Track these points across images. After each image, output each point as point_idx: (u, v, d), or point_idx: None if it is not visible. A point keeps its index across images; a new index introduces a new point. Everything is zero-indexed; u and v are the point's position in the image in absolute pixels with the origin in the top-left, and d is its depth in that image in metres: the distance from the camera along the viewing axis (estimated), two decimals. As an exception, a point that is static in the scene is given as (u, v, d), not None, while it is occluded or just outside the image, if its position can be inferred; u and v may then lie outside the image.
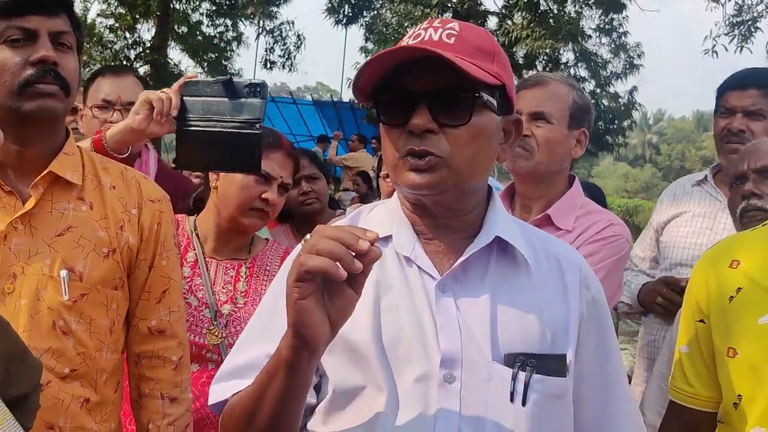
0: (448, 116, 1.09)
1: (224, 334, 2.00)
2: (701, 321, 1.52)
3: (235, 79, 1.55)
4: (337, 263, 0.91)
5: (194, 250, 2.10)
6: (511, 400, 1.11)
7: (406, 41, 1.15)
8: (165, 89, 1.71)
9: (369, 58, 1.09)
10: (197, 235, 2.13)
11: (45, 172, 1.49)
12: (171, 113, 1.64)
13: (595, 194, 3.80)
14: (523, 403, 1.11)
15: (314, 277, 0.94)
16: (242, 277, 2.11)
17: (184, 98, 1.60)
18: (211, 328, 2.00)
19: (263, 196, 2.03)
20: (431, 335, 1.12)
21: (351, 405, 1.13)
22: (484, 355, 1.12)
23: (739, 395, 1.41)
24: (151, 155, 2.50)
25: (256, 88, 1.52)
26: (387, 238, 1.20)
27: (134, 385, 1.69)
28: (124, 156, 1.84)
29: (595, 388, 1.22)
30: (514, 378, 1.11)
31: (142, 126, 1.70)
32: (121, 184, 1.62)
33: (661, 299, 2.37)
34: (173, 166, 2.39)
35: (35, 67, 1.43)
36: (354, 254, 0.92)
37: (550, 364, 1.14)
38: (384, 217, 1.24)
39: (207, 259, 2.10)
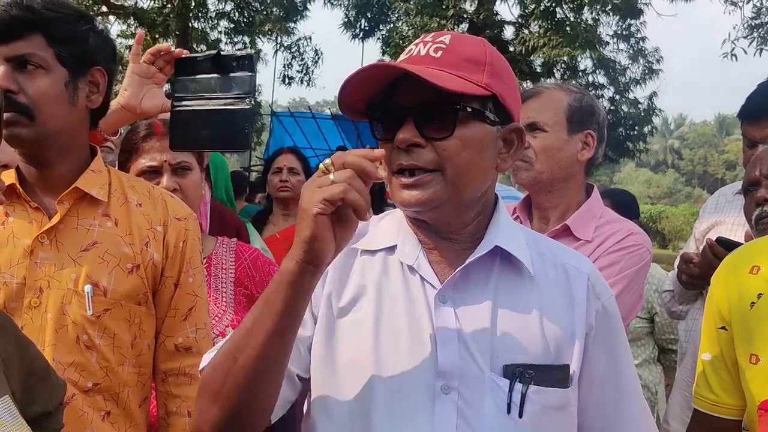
0: (433, 129, 1.10)
1: None
2: (723, 328, 1.51)
3: (223, 52, 1.52)
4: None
5: None
6: (508, 411, 1.10)
7: (401, 58, 1.16)
8: None
9: (345, 78, 1.10)
10: None
11: (71, 188, 1.52)
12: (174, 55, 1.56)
13: (628, 201, 3.73)
14: (520, 415, 1.10)
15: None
16: None
17: (177, 78, 1.56)
18: None
19: (158, 185, 1.93)
20: (430, 345, 1.12)
21: (347, 413, 1.13)
22: (482, 366, 1.11)
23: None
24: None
25: (244, 61, 1.48)
26: (392, 248, 1.21)
27: (161, 403, 1.69)
28: (114, 138, 1.79)
29: (607, 399, 1.20)
30: (511, 389, 1.10)
31: (133, 103, 1.65)
32: (147, 202, 1.65)
33: (685, 267, 2.34)
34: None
35: None
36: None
37: (551, 375, 1.13)
38: (390, 227, 1.25)
39: None
